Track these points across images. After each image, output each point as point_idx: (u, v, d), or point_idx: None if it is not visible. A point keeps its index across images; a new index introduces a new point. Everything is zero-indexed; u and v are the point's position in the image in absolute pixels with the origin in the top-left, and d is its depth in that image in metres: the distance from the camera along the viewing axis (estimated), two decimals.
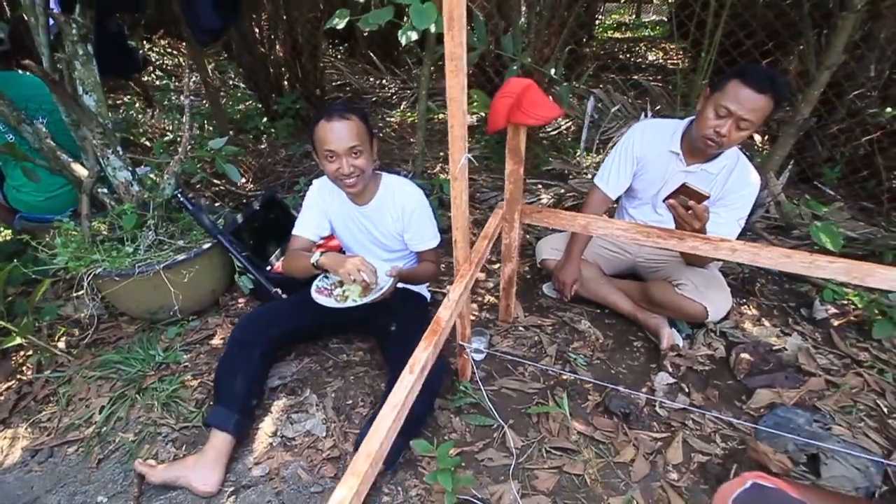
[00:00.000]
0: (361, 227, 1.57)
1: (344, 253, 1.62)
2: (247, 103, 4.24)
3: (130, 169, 1.78)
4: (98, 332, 1.85)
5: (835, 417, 1.44)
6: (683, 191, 1.37)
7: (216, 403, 1.39)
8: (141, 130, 3.48)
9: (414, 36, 1.52)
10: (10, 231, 2.40)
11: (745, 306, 1.93)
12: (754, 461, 1.31)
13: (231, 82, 4.99)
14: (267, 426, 1.48)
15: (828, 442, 1.30)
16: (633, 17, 8.76)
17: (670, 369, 1.64)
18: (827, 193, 2.67)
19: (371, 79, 4.97)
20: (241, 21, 2.82)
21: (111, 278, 1.66)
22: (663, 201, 1.46)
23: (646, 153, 1.71)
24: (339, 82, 4.94)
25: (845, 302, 1.90)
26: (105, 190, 1.84)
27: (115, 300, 1.82)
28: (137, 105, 4.11)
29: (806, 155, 2.83)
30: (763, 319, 1.86)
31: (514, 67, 2.19)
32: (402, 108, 4.29)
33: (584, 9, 4.35)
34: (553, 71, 2.46)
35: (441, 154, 3.28)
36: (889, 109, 2.65)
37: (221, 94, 4.45)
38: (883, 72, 2.67)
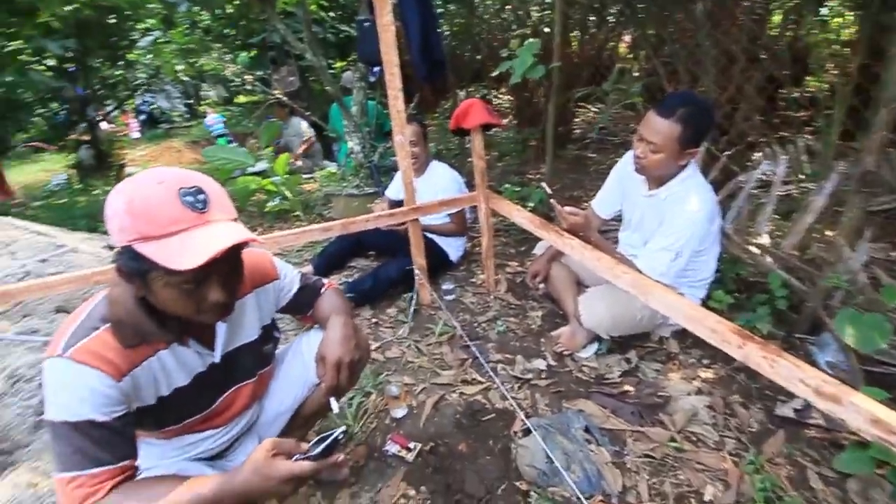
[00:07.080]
0: None
1: None
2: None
3: (361, 145, 3.35)
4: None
5: (605, 441, 1.33)
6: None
7: None
8: None
9: None
10: None
11: (715, 366, 1.64)
12: None
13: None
14: None
15: (568, 446, 1.31)
16: None
17: (550, 360, 1.76)
18: None
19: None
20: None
21: (332, 194, 3.27)
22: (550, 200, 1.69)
23: (629, 179, 1.83)
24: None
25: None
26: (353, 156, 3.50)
27: (333, 210, 3.45)
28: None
29: None
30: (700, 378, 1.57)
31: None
32: None
33: None
34: None
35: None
36: None
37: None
38: None
